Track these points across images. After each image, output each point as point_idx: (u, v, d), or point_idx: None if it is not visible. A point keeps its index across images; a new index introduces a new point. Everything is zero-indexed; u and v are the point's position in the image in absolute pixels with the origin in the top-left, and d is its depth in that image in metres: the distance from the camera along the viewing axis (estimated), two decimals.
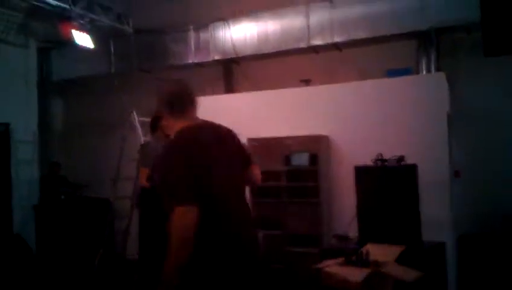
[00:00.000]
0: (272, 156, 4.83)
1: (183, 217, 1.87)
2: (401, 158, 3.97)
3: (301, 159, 4.74)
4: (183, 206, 1.88)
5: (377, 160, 4.05)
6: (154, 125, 3.98)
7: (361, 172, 4.04)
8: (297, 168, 4.76)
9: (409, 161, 3.98)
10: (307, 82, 5.33)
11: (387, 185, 3.94)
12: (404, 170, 3.93)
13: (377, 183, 3.98)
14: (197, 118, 2.22)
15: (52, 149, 7.44)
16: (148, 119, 5.76)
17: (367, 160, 4.08)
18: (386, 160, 4.02)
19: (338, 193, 4.85)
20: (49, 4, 5.12)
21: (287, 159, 4.79)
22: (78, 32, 5.48)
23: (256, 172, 2.39)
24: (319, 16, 5.36)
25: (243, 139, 4.77)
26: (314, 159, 4.70)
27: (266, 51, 5.62)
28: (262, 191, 4.83)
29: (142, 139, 5.57)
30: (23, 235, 5.66)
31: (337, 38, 5.29)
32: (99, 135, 7.23)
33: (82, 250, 5.94)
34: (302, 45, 5.42)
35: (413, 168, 3.90)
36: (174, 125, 2.17)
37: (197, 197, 1.91)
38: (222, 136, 2.24)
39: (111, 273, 5.70)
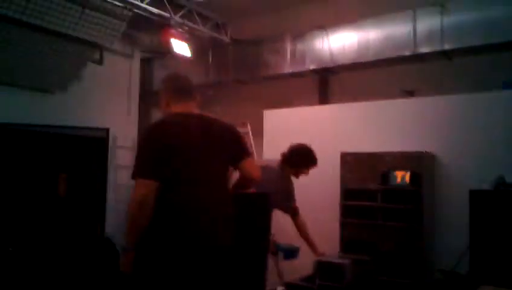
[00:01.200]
0: (368, 173, 4.42)
1: (140, 187, 2.11)
2: None
3: (401, 178, 4.27)
4: (142, 179, 2.12)
5: (498, 184, 3.45)
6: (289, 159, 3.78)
7: (477, 197, 3.45)
8: (396, 188, 4.29)
9: None
10: (410, 93, 4.85)
11: (510, 214, 3.34)
12: None
13: (497, 211, 3.39)
14: (192, 109, 2.41)
15: None
16: (241, 130, 5.71)
17: (482, 183, 3.52)
18: (510, 184, 3.42)
19: (444, 219, 4.29)
20: (150, 12, 5.26)
21: (385, 177, 4.34)
22: (176, 41, 5.56)
23: (249, 166, 2.43)
24: (427, 22, 4.86)
25: (336, 153, 4.56)
26: (416, 178, 4.20)
27: (366, 60, 5.22)
28: (354, 211, 4.46)
29: None
30: (116, 239, 5.80)
31: (447, 46, 4.74)
32: None
33: None
34: (407, 52, 4.94)
35: None
36: (168, 111, 2.41)
37: (158, 174, 2.12)
38: (209, 127, 2.36)
39: None
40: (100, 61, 5.88)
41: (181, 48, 5.68)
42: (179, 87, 2.48)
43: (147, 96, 7.35)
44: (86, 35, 5.19)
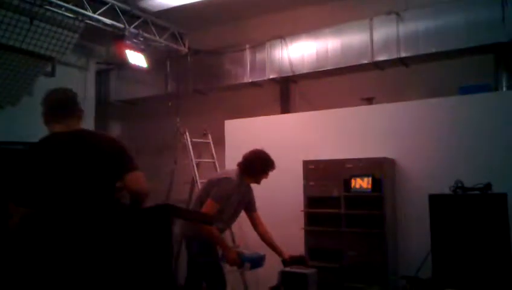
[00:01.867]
0: (330, 181, 4.44)
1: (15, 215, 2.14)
2: (487, 186, 3.42)
3: (363, 184, 4.29)
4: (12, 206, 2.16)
5: (456, 188, 3.51)
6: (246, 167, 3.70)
7: (437, 202, 3.50)
8: (358, 194, 4.31)
9: (495, 189, 3.42)
10: (369, 100, 4.90)
11: (470, 217, 3.39)
12: (492, 200, 3.36)
13: (457, 215, 3.44)
14: (70, 126, 2.32)
15: None
16: (199, 140, 5.62)
17: (441, 187, 3.57)
18: (468, 188, 3.48)
19: (406, 224, 4.35)
20: (104, 23, 5.11)
21: (347, 184, 4.36)
22: (132, 52, 5.42)
23: (132, 179, 2.29)
24: (383, 30, 4.95)
25: (298, 161, 4.54)
26: (377, 184, 4.23)
27: (325, 68, 5.25)
28: (318, 219, 4.45)
29: (194, 161, 5.38)
30: None
31: (404, 53, 4.83)
32: (154, 156, 7.14)
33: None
34: (365, 60, 5.01)
35: (503, 197, 3.32)
36: (49, 129, 2.35)
37: (26, 199, 2.16)
38: (84, 144, 2.26)
39: None
40: (52, 74, 5.64)
41: (137, 58, 5.53)
42: (54, 104, 2.38)
43: (104, 109, 7.14)
44: (35, 47, 4.97)
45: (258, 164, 3.64)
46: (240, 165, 3.69)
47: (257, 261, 3.62)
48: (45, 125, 2.38)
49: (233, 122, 5.54)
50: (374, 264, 4.16)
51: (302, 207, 4.54)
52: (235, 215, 3.71)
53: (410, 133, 4.41)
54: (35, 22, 4.74)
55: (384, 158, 4.35)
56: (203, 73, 6.23)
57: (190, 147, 5.43)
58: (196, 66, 6.24)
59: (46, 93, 2.45)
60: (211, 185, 3.65)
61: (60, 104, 2.37)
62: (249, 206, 3.79)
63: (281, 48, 5.57)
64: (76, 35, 5.20)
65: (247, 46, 5.83)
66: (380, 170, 4.27)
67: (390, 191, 4.38)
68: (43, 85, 5.63)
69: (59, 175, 2.19)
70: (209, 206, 3.44)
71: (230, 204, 3.58)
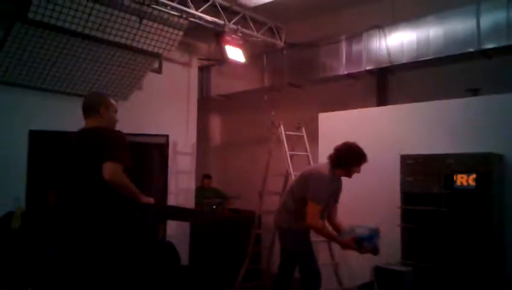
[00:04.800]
0: (429, 176, 4.23)
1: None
2: None
3: (466, 181, 4.03)
4: None
5: None
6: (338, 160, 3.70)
7: None
8: (462, 192, 4.06)
9: None
10: (474, 92, 4.58)
11: None
12: None
13: None
14: (88, 124, 2.91)
15: (209, 162, 7.86)
16: (293, 133, 5.67)
17: None
18: None
19: None
20: (205, 20, 5.35)
21: (448, 180, 4.12)
22: (231, 47, 5.62)
23: (104, 169, 2.63)
24: (492, 16, 4.59)
25: (395, 156, 4.39)
26: (483, 181, 3.95)
27: (426, 58, 5.00)
28: (415, 216, 4.27)
29: (288, 154, 5.44)
30: (177, 243, 5.92)
31: None
32: (251, 149, 7.36)
33: (228, 261, 6.03)
34: (471, 49, 4.68)
35: None
36: None
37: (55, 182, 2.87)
38: (84, 137, 2.82)
39: (255, 286, 5.65)
40: (159, 70, 6.06)
41: (235, 54, 5.73)
42: (83, 105, 2.96)
43: (205, 103, 7.50)
44: (145, 45, 5.36)
45: (350, 157, 3.60)
46: (331, 158, 3.68)
47: (374, 236, 3.51)
48: None
49: (327, 115, 5.51)
50: (478, 266, 3.90)
51: (398, 204, 4.39)
52: (326, 208, 3.72)
53: None
54: (144, 21, 5.12)
55: (491, 153, 4.05)
56: (298, 66, 6.27)
57: (284, 139, 5.50)
58: (291, 59, 6.30)
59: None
60: (304, 179, 3.70)
61: (84, 107, 2.95)
62: (335, 197, 3.78)
63: (379, 38, 5.40)
64: (181, 33, 5.51)
65: (343, 37, 5.74)
66: (486, 166, 3.98)
67: (498, 189, 4.07)
68: (151, 80, 6.11)
69: (68, 164, 2.80)
70: (311, 209, 3.48)
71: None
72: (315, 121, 5.53)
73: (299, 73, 6.28)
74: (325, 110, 5.57)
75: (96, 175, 2.64)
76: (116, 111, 3.03)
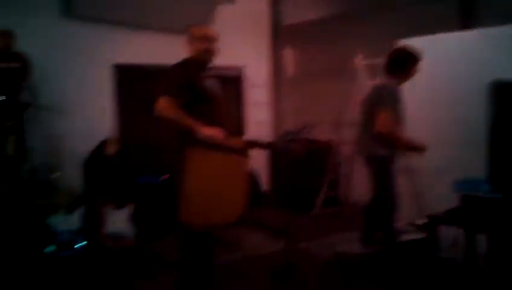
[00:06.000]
0: None
1: None
2: None
3: None
4: None
5: None
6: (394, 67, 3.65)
7: None
8: None
9: None
10: None
11: None
12: None
13: None
14: None
15: (283, 93, 7.87)
16: (374, 62, 5.50)
17: None
18: None
19: None
20: None
21: None
22: None
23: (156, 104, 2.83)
24: None
25: (483, 84, 4.15)
26: None
27: None
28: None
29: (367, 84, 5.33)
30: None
31: None
32: (327, 79, 7.25)
33: (305, 190, 6.19)
34: None
35: None
36: None
37: None
38: None
39: (333, 213, 5.82)
40: (232, 0, 6.00)
41: None
42: None
43: (278, 33, 7.38)
44: None
45: (405, 60, 3.57)
46: (385, 69, 3.62)
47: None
48: None
49: (408, 42, 5.25)
50: None
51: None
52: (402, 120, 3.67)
53: None
54: None
55: None
56: None
57: (364, 69, 5.38)
58: None
59: None
60: (376, 95, 3.66)
61: None
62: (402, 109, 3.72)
63: None
64: None
65: None
66: None
67: None
68: (223, 12, 6.09)
69: None
70: (383, 116, 3.45)
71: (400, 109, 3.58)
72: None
73: None
74: (405, 37, 5.30)
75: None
76: (208, 39, 3.02)
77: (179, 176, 2.79)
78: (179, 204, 2.78)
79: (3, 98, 4.19)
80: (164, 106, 2.77)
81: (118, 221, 3.97)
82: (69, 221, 3.76)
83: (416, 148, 3.62)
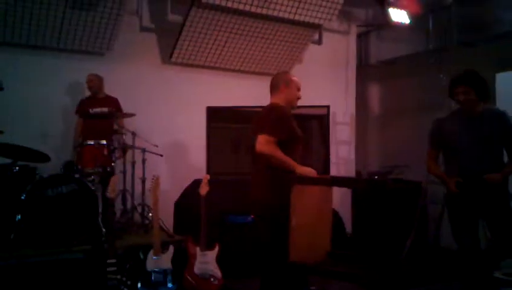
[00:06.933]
0: None
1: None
2: None
3: None
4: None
5: None
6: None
7: None
8: None
9: None
10: None
11: None
12: None
13: None
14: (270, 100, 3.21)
15: (368, 131, 7.69)
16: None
17: None
18: None
19: None
20: None
21: None
22: (394, 9, 5.37)
23: (256, 140, 2.94)
24: None
25: None
26: None
27: None
28: None
29: None
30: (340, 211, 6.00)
31: None
32: (414, 117, 6.99)
33: (392, 233, 5.89)
34: None
35: None
36: None
37: None
38: (256, 114, 3.20)
39: (421, 259, 5.46)
40: (319, 41, 6.07)
41: (399, 15, 5.44)
42: (270, 85, 3.23)
43: (363, 71, 7.30)
44: (306, 17, 5.41)
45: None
46: (477, 94, 3.35)
47: None
48: None
49: (506, 75, 4.93)
50: None
51: None
52: None
53: None
54: None
55: None
56: (469, 23, 5.68)
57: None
58: (461, 16, 5.73)
59: None
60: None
61: (270, 85, 3.23)
62: None
63: None
64: (341, 1, 5.43)
65: None
66: None
67: None
68: (310, 52, 6.16)
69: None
70: None
71: None
72: (490, 82, 4.99)
73: (471, 30, 5.70)
74: (503, 70, 4.99)
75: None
76: (299, 88, 3.21)
77: (281, 213, 2.80)
78: (282, 241, 2.79)
79: (104, 142, 4.47)
80: (265, 143, 2.90)
81: (207, 262, 4.00)
82: (160, 261, 3.85)
83: None
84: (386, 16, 5.44)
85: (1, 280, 3.50)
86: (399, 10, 5.40)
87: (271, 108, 3.10)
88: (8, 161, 4.11)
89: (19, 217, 3.83)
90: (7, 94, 4.04)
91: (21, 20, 4.62)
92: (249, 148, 3.13)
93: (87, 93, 5.01)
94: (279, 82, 3.17)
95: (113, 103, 4.95)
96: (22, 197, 3.83)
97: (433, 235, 5.57)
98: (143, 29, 5.50)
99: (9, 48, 4.78)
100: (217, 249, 4.07)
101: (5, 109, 4.41)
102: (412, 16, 5.55)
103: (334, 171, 6.51)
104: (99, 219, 4.15)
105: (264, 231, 3.05)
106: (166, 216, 4.75)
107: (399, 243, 5.51)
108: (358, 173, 6.81)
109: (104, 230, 4.13)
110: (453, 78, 3.46)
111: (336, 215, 5.50)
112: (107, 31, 5.01)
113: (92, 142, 4.44)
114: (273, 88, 3.19)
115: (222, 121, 5.53)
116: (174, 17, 5.49)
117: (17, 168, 4.09)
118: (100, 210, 4.16)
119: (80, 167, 4.35)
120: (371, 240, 6.08)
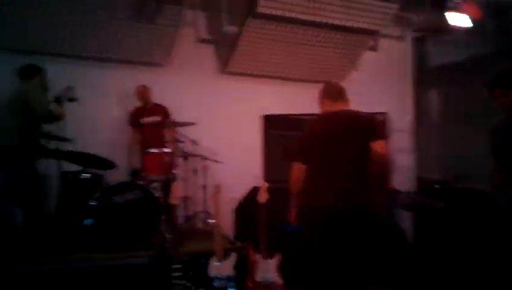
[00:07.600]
0: None
1: (294, 170, 3.09)
2: None
3: None
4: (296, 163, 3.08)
5: None
6: None
7: None
8: None
9: None
10: None
11: None
12: None
13: None
14: (339, 107, 3.09)
15: (426, 139, 7.47)
16: None
17: None
18: None
19: None
20: None
21: None
22: (453, 13, 5.22)
23: (376, 146, 2.82)
24: None
25: None
26: None
27: None
28: None
29: None
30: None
31: None
32: (474, 123, 6.73)
33: (455, 242, 5.67)
34: None
35: None
36: (323, 110, 3.15)
37: (306, 161, 3.05)
38: (346, 119, 3.00)
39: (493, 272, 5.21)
40: (375, 48, 6.00)
41: (458, 19, 5.28)
42: (336, 92, 3.18)
43: (422, 77, 7.12)
44: (361, 24, 5.36)
45: None
46: None
47: None
48: (320, 108, 3.20)
49: None
50: None
51: None
52: None
53: None
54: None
55: None
56: None
57: None
58: None
59: (323, 86, 3.24)
60: None
61: (338, 92, 3.18)
62: None
63: None
64: (396, 6, 5.35)
65: None
66: None
67: None
68: (366, 59, 6.08)
69: (324, 141, 2.97)
70: None
71: None
72: None
73: None
74: None
75: (365, 153, 2.85)
76: None
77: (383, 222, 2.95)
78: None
79: (166, 150, 4.58)
80: (385, 149, 2.87)
81: (268, 269, 4.00)
82: (222, 267, 3.89)
83: None
84: (443, 20, 5.29)
85: (71, 282, 3.65)
86: (459, 14, 5.24)
87: (370, 114, 3.06)
88: (77, 167, 4.31)
89: (89, 221, 3.99)
90: (77, 104, 4.26)
91: (90, 35, 4.90)
92: (334, 151, 2.94)
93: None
94: (343, 90, 3.19)
95: (161, 111, 5.11)
96: (92, 203, 3.99)
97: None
98: (200, 40, 5.66)
99: (79, 61, 5.07)
100: (278, 256, 4.07)
101: (75, 118, 4.65)
102: (472, 20, 5.37)
103: (392, 180, 6.35)
104: (163, 225, 4.25)
105: (362, 242, 2.92)
106: (225, 223, 4.80)
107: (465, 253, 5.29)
108: (419, 179, 6.62)
109: (167, 236, 4.22)
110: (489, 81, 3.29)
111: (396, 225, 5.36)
112: (166, 42, 5.19)
113: (156, 150, 4.58)
114: (341, 95, 3.16)
115: (278, 129, 5.54)
116: (229, 28, 5.61)
117: (87, 175, 4.27)
118: (163, 217, 4.27)
119: (144, 174, 4.49)
120: (432, 253, 5.88)
